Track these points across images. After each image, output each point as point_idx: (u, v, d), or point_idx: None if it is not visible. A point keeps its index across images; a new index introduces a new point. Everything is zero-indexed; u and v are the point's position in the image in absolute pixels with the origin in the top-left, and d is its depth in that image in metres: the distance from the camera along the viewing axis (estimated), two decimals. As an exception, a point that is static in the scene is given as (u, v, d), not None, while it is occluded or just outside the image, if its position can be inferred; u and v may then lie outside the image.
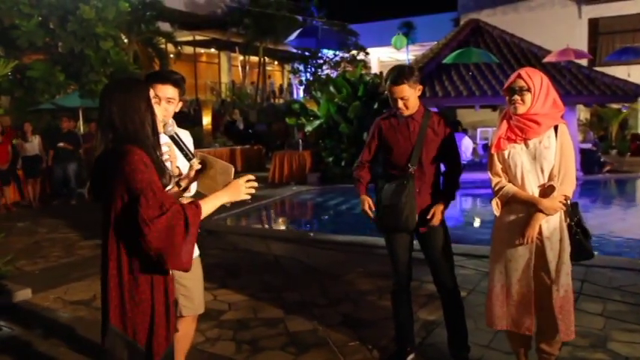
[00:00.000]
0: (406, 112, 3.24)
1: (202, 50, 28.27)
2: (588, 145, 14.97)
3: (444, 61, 12.91)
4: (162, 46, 18.85)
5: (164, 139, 2.37)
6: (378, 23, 28.94)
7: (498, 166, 2.91)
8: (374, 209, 3.34)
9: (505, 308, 2.91)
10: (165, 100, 2.69)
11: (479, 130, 16.64)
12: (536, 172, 2.82)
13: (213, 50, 28.33)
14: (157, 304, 1.98)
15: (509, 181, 2.88)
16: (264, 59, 27.16)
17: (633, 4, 19.43)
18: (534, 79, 2.79)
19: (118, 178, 1.89)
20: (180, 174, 2.48)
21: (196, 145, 3.01)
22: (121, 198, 1.90)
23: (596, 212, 9.67)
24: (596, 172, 13.63)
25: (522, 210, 2.83)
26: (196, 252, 2.88)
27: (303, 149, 13.93)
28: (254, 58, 27.06)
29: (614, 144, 19.18)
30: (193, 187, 2.54)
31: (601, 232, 7.42)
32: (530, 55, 14.25)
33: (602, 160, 14.21)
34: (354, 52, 25.97)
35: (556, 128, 2.81)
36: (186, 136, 2.75)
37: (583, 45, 18.87)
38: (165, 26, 19.90)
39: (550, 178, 2.79)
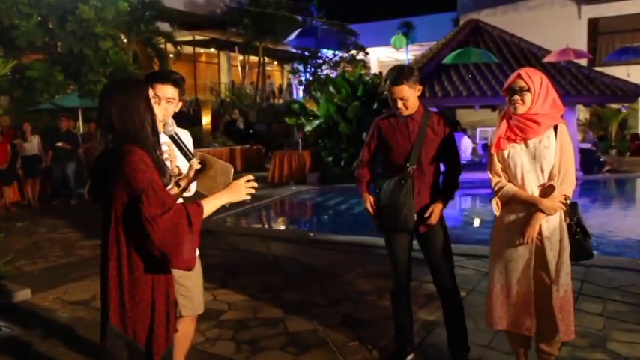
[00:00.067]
0: (406, 112, 3.24)
1: (202, 50, 28.27)
2: (588, 145, 14.97)
3: (444, 62, 12.91)
4: (162, 46, 18.85)
5: (164, 138, 2.37)
6: (377, 23, 28.95)
7: (498, 166, 2.91)
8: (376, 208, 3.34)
9: (505, 308, 2.91)
10: (165, 100, 2.69)
11: (478, 130, 16.65)
12: (536, 172, 2.81)
13: (212, 50, 28.33)
14: (157, 304, 1.98)
15: (509, 181, 2.88)
16: (264, 59, 27.16)
17: (633, 4, 19.44)
18: (534, 79, 2.79)
19: (119, 178, 1.89)
20: (179, 173, 2.48)
21: (196, 145, 3.01)
22: (121, 198, 1.90)
23: (596, 212, 9.68)
24: (596, 172, 13.64)
25: (522, 210, 2.83)
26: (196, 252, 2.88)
27: (303, 149, 13.93)
28: (253, 58, 27.06)
29: (613, 144, 19.19)
30: (193, 187, 2.55)
31: (600, 231, 7.43)
32: (530, 55, 14.25)
33: (601, 160, 14.22)
34: (353, 52, 25.97)
35: (555, 128, 2.81)
36: (185, 136, 2.75)
37: (582, 45, 18.88)
38: (164, 26, 19.89)
39: (550, 178, 2.79)
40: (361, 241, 6.65)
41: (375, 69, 28.84)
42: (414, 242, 3.39)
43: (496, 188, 2.89)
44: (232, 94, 25.74)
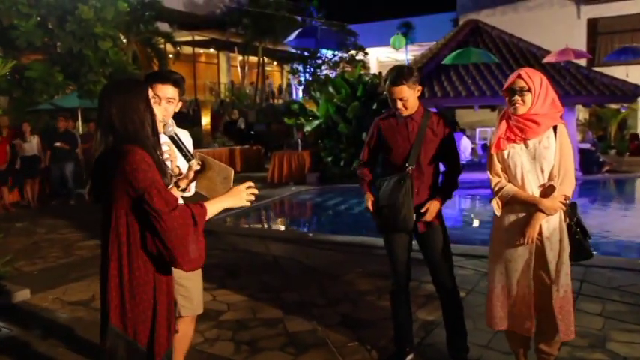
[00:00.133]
0: (405, 113, 3.24)
1: (201, 50, 28.26)
2: (587, 145, 14.97)
3: (444, 62, 12.91)
4: (161, 46, 18.84)
5: (163, 139, 2.37)
6: (377, 23, 28.94)
7: (498, 167, 2.90)
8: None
9: (506, 309, 2.91)
10: (166, 100, 2.69)
11: (478, 130, 16.66)
12: (535, 173, 2.82)
13: (212, 50, 28.32)
14: (158, 305, 1.98)
15: (509, 182, 2.88)
16: (263, 59, 27.15)
17: (632, 4, 19.44)
18: (534, 79, 2.79)
19: (120, 178, 1.89)
20: (180, 173, 2.49)
21: (195, 146, 3.01)
22: (122, 198, 1.90)
23: (595, 212, 9.68)
24: (595, 172, 13.64)
25: (522, 210, 2.83)
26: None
27: (302, 149, 13.92)
28: (253, 59, 27.04)
29: (612, 144, 19.19)
30: (192, 187, 2.55)
31: (600, 232, 7.43)
32: (529, 56, 14.26)
33: (600, 160, 14.22)
34: (353, 52, 25.96)
35: (555, 129, 2.81)
36: (185, 137, 2.75)
37: (582, 45, 18.89)
38: (164, 26, 19.89)
39: (550, 179, 2.79)
40: (360, 241, 6.65)
41: (374, 69, 28.83)
42: (414, 242, 3.40)
43: (496, 188, 2.89)
44: (232, 94, 25.74)
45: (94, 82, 13.87)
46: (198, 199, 2.11)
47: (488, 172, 2.95)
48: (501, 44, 14.71)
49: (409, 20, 28.49)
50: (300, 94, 27.06)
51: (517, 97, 2.79)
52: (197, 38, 25.85)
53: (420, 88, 3.27)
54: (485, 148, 12.99)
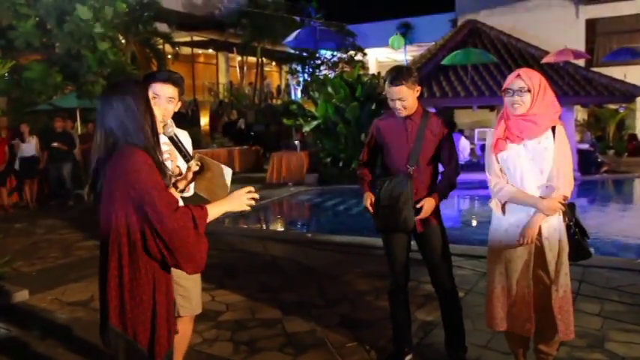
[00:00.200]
0: (404, 113, 3.24)
1: (200, 51, 28.22)
2: (586, 146, 14.99)
3: (443, 62, 12.92)
4: (160, 46, 18.83)
5: (163, 139, 2.37)
6: (375, 24, 28.91)
7: (497, 167, 2.90)
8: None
9: (506, 310, 2.91)
10: (166, 100, 2.69)
11: (476, 130, 16.67)
12: (535, 173, 2.81)
13: (210, 51, 28.29)
14: (158, 305, 1.98)
15: (508, 182, 2.88)
16: (262, 60, 27.13)
17: (631, 4, 19.46)
18: (533, 79, 2.79)
19: (121, 179, 1.89)
20: (180, 173, 2.49)
21: (194, 146, 3.01)
22: (122, 199, 1.90)
23: (594, 213, 9.69)
24: (594, 172, 13.66)
25: (521, 210, 2.83)
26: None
27: (301, 150, 13.93)
28: (252, 59, 27.02)
29: (611, 144, 19.20)
30: (191, 188, 2.55)
31: (598, 232, 7.43)
32: (528, 56, 14.29)
33: (599, 160, 14.24)
34: (351, 52, 25.95)
35: (553, 129, 2.81)
36: (184, 137, 2.76)
37: (580, 46, 18.88)
38: (162, 27, 19.86)
39: (549, 179, 2.79)
40: (359, 241, 6.65)
41: (373, 69, 28.79)
42: (413, 242, 3.40)
43: (495, 189, 2.89)
44: (230, 94, 25.73)
45: (93, 83, 13.84)
46: (197, 200, 2.11)
47: (487, 173, 2.94)
48: (500, 45, 14.74)
49: (408, 21, 28.48)
50: (299, 94, 27.06)
51: (516, 98, 2.79)
52: (196, 39, 25.83)
53: (419, 88, 3.27)
54: (484, 148, 13.00)
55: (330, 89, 13.66)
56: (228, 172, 2.28)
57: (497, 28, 15.63)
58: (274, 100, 28.46)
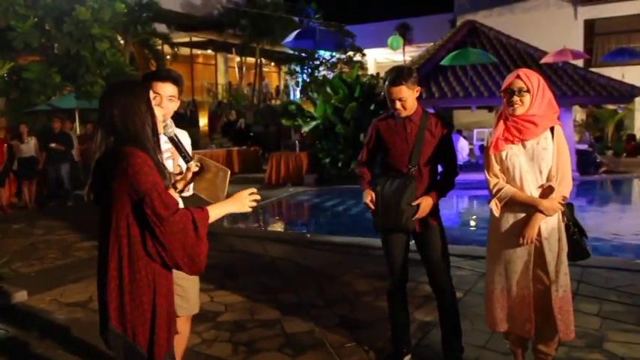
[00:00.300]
0: (404, 114, 3.24)
1: (199, 51, 28.21)
2: (584, 146, 15.01)
3: (442, 63, 12.92)
4: (159, 47, 18.85)
5: (163, 139, 2.37)
6: (374, 24, 28.94)
7: (496, 167, 2.90)
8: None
9: (506, 310, 2.91)
10: (167, 98, 2.69)
11: (475, 131, 16.69)
12: (534, 173, 2.82)
13: (209, 51, 28.29)
14: (158, 307, 1.98)
15: (507, 182, 2.88)
16: (261, 60, 27.14)
17: (629, 5, 19.51)
18: (532, 80, 2.79)
19: (121, 179, 1.89)
20: (181, 172, 2.49)
21: (193, 147, 3.01)
22: (123, 200, 1.90)
23: (592, 213, 9.70)
24: (592, 172, 13.67)
25: (521, 211, 2.83)
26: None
27: (300, 150, 13.92)
28: (251, 60, 27.04)
29: (609, 145, 19.24)
30: (190, 189, 2.55)
31: (597, 232, 7.43)
32: (527, 56, 14.30)
33: (598, 160, 14.25)
34: (350, 53, 25.99)
35: (552, 129, 2.82)
36: (184, 137, 2.76)
37: (579, 46, 18.93)
38: (161, 27, 19.89)
39: (548, 179, 2.79)
40: (358, 242, 6.65)
41: (372, 70, 28.83)
42: (411, 243, 3.40)
43: (495, 189, 2.89)
44: (229, 95, 25.72)
45: (92, 84, 13.85)
46: (196, 200, 2.11)
47: (486, 173, 2.94)
48: (499, 45, 14.74)
49: (407, 21, 28.51)
50: (298, 95, 27.06)
51: (516, 98, 2.79)
52: (195, 39, 25.83)
53: (418, 89, 3.27)
54: (483, 149, 13.01)
55: (328, 90, 13.66)
56: (226, 173, 2.29)
57: (495, 28, 15.63)
58: (273, 101, 28.46)
